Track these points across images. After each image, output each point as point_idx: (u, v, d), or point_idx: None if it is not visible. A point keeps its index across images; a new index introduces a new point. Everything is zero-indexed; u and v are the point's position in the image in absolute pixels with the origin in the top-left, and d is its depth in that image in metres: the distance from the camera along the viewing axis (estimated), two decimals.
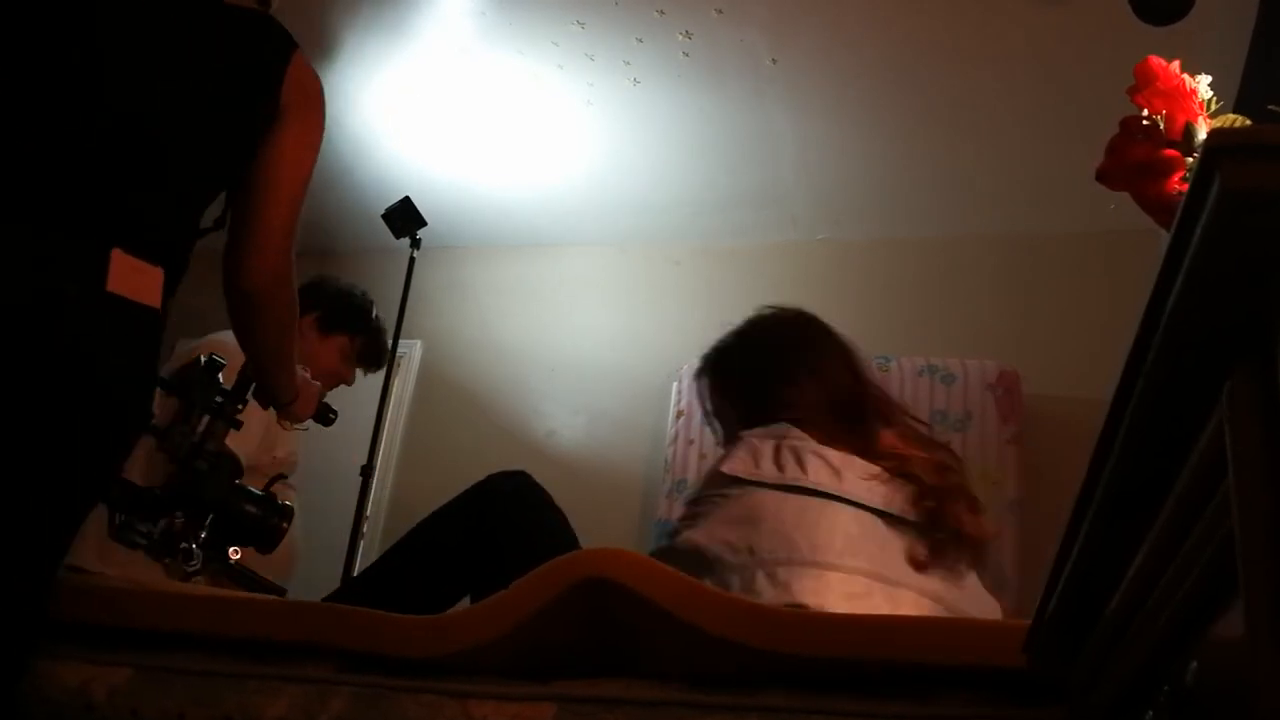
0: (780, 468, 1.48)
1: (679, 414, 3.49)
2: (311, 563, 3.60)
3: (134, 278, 1.32)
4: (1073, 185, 3.29)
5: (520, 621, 1.19)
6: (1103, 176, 1.09)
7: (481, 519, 1.76)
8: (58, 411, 1.26)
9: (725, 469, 1.51)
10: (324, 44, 3.19)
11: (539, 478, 2.51)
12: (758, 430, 1.57)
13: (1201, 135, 1.02)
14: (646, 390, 2.63)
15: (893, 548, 1.45)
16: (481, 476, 3.18)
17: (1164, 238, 0.51)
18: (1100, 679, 0.76)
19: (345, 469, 3.44)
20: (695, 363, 1.87)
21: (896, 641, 1.12)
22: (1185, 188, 0.49)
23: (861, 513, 1.46)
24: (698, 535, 1.48)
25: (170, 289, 1.43)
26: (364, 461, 3.29)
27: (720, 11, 2.89)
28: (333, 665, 1.27)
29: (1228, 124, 1.03)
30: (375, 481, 3.43)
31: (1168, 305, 0.49)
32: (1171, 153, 1.03)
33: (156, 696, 1.27)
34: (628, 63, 3.13)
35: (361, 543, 3.35)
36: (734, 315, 2.73)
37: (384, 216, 3.48)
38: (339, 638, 1.28)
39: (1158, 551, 0.60)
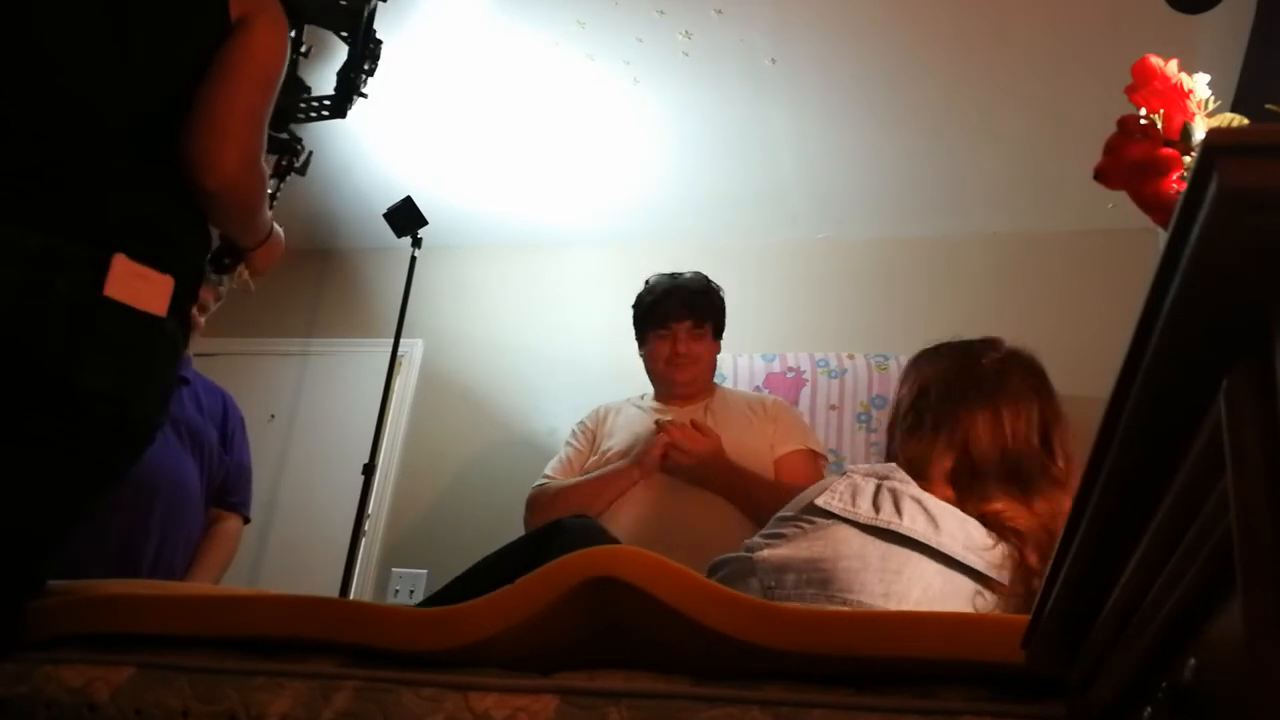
0: (876, 508, 1.45)
1: None
2: (314, 560, 3.62)
3: (135, 284, 1.28)
4: (1071, 184, 3.30)
5: (525, 617, 1.19)
6: (1101, 175, 1.09)
7: (543, 550, 1.76)
8: (35, 411, 1.24)
9: (820, 501, 1.48)
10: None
11: (540, 475, 2.52)
12: (864, 467, 1.55)
13: (1199, 134, 1.02)
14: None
15: (979, 607, 1.41)
16: (483, 474, 3.20)
17: (1162, 236, 0.51)
18: (1099, 675, 0.77)
19: (347, 467, 3.45)
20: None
21: (897, 637, 1.12)
22: (1183, 186, 0.49)
23: (952, 571, 1.43)
24: (774, 556, 1.46)
25: (188, 292, 1.39)
26: (366, 459, 3.30)
27: (720, 11, 2.89)
28: (336, 660, 1.28)
29: (1225, 123, 1.03)
30: (377, 479, 3.43)
31: (1166, 303, 0.49)
32: (1169, 151, 1.03)
33: (159, 695, 1.27)
34: (628, 62, 3.14)
35: (363, 540, 3.35)
36: (732, 313, 2.74)
37: (385, 215, 3.49)
38: (342, 632, 1.28)
39: (1156, 549, 0.60)
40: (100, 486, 1.36)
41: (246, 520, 2.64)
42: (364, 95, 1.85)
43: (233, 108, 1.38)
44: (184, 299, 1.37)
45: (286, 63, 1.48)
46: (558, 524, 1.84)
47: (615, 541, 1.88)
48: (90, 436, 1.29)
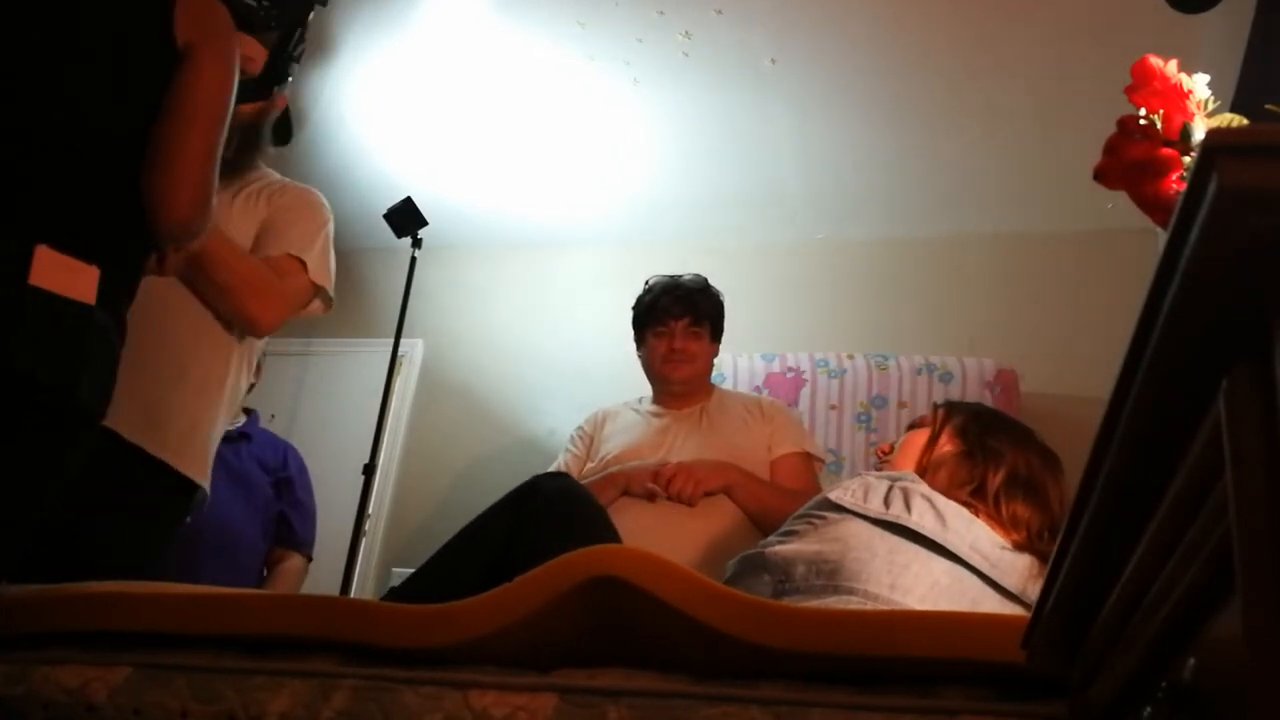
0: (886, 504, 1.50)
1: None
2: (315, 560, 3.61)
3: (61, 273, 1.32)
4: (1071, 184, 3.29)
5: (525, 615, 1.19)
6: (1100, 175, 1.09)
7: (525, 517, 1.76)
8: None
9: (833, 497, 1.54)
10: (325, 44, 3.19)
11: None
12: (877, 471, 1.62)
13: (1199, 134, 1.02)
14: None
15: (986, 609, 1.44)
16: (483, 474, 3.19)
17: (1162, 236, 0.51)
18: (1099, 675, 0.77)
19: (347, 467, 3.44)
20: None
21: (898, 636, 1.12)
22: (1182, 186, 0.49)
23: (959, 568, 1.47)
24: (785, 550, 1.51)
25: (119, 288, 1.41)
26: (366, 459, 3.29)
27: (720, 11, 2.89)
28: (335, 658, 1.27)
29: (1225, 123, 1.03)
30: (377, 479, 3.43)
31: (1165, 304, 0.49)
32: (1169, 152, 1.03)
33: (157, 695, 1.27)
34: (628, 63, 3.14)
35: (364, 541, 3.35)
36: (732, 314, 2.74)
37: (386, 216, 3.49)
38: (340, 630, 1.28)
39: (1156, 549, 0.60)
40: (44, 477, 1.37)
41: (309, 559, 2.90)
42: (290, 78, 1.95)
43: (188, 156, 1.47)
44: (115, 290, 1.40)
45: (236, 87, 1.55)
46: (534, 488, 1.84)
47: (594, 501, 1.89)
48: (27, 424, 1.31)
